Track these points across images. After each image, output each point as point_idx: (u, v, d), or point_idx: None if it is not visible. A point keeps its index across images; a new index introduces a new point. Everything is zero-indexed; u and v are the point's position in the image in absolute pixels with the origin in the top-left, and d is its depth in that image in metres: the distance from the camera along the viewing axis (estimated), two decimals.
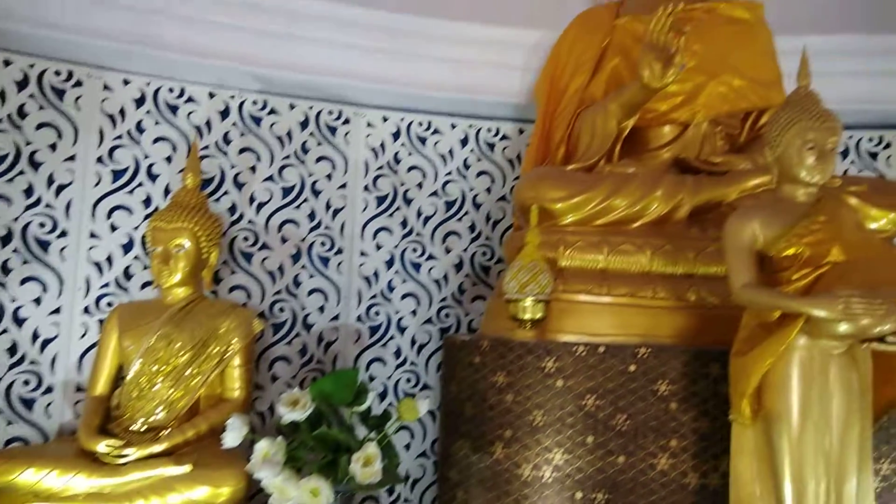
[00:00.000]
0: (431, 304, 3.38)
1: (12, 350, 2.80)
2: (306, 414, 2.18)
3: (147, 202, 3.03)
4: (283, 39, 3.06)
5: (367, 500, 3.23)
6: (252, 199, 3.20)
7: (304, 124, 3.29)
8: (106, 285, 2.96)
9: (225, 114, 3.18)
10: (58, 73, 2.94)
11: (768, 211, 1.99)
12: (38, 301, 2.85)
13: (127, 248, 2.99)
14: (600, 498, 2.21)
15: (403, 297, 3.35)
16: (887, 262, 1.88)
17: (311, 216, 3.27)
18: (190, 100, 3.13)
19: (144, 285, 2.99)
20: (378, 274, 3.33)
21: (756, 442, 1.94)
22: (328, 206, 3.30)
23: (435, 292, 3.39)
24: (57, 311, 2.87)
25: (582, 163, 2.79)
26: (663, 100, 2.78)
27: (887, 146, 3.41)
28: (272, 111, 3.25)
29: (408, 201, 3.39)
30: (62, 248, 2.90)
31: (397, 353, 3.33)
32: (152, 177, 3.05)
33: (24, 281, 2.84)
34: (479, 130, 3.50)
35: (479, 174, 3.49)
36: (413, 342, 3.35)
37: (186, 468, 2.31)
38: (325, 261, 3.28)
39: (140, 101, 3.06)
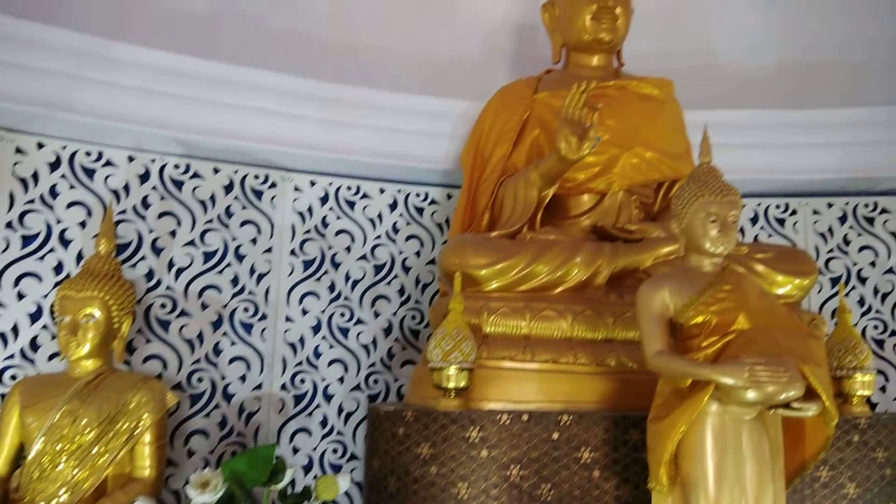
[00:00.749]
0: (360, 371, 3.32)
1: None
2: (217, 496, 2.07)
3: (58, 269, 2.90)
4: (208, 105, 3.05)
5: None
6: (171, 265, 3.11)
7: (229, 188, 3.25)
8: (10, 357, 2.79)
9: (145, 177, 3.11)
10: None
11: (677, 280, 2.07)
12: None
13: (35, 317, 2.84)
14: None
15: (330, 363, 3.28)
16: (790, 330, 1.97)
17: (234, 281, 3.20)
18: (108, 163, 3.06)
19: (52, 357, 2.84)
20: (304, 340, 3.26)
21: None
22: (252, 271, 3.23)
23: (363, 358, 3.33)
24: None
25: (505, 230, 2.84)
26: (581, 170, 2.89)
27: (793, 213, 3.63)
28: (195, 175, 3.20)
29: (336, 265, 3.36)
30: None
31: (323, 423, 3.23)
32: (65, 242, 2.93)
33: None
34: (408, 195, 3.54)
35: (409, 238, 3.50)
36: (340, 410, 3.26)
37: None
38: (248, 327, 3.19)
39: (55, 165, 2.97)
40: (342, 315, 3.33)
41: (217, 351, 3.13)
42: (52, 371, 2.76)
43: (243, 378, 3.16)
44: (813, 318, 2.61)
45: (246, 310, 3.20)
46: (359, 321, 3.35)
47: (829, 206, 3.58)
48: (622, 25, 3.09)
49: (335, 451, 3.22)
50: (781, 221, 3.61)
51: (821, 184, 3.52)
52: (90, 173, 3.03)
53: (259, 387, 3.17)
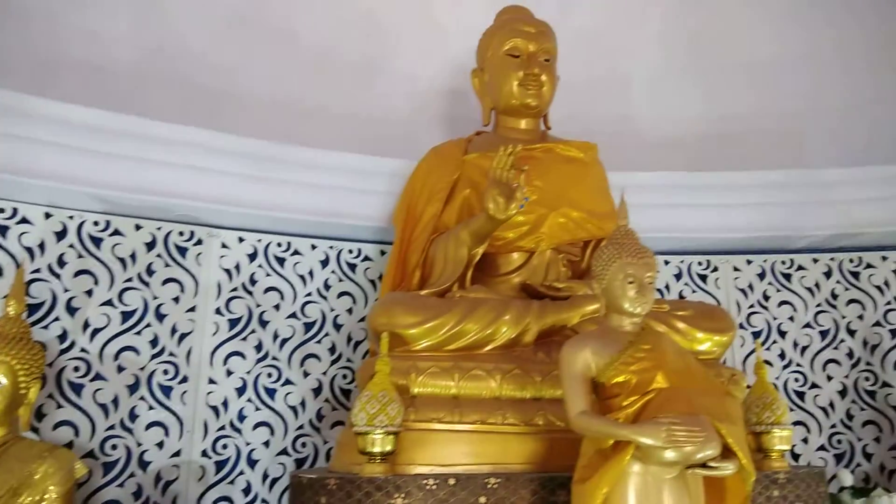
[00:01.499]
0: (287, 433, 3.20)
1: None
2: None
3: None
4: (130, 161, 2.99)
5: None
6: (86, 325, 2.97)
7: (151, 245, 3.16)
8: None
9: (61, 235, 3.00)
10: None
11: (599, 340, 2.09)
12: None
13: None
14: None
15: (256, 426, 3.16)
16: (706, 389, 2.01)
17: (154, 342, 3.07)
18: (23, 220, 2.93)
19: None
20: (227, 403, 3.13)
21: None
22: (174, 331, 3.11)
23: (291, 420, 3.22)
24: None
25: (436, 288, 2.84)
26: (511, 229, 2.93)
27: (715, 269, 3.76)
28: (115, 232, 3.11)
29: (263, 323, 3.28)
30: None
31: (246, 490, 3.09)
32: None
33: None
34: (340, 251, 3.51)
35: (341, 295, 3.46)
36: (265, 477, 3.13)
37: None
38: (168, 390, 3.06)
39: None
40: (269, 375, 3.23)
41: (133, 416, 2.98)
42: None
43: (161, 444, 3.00)
44: (733, 373, 2.68)
45: (165, 372, 3.07)
46: (287, 381, 3.25)
47: (749, 262, 3.74)
48: (548, 92, 3.20)
49: None
50: (704, 278, 3.74)
51: (740, 242, 3.68)
52: (3, 230, 2.89)
53: (178, 453, 3.02)
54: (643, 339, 2.06)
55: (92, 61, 3.16)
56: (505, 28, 3.23)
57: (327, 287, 3.43)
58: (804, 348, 3.64)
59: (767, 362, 3.61)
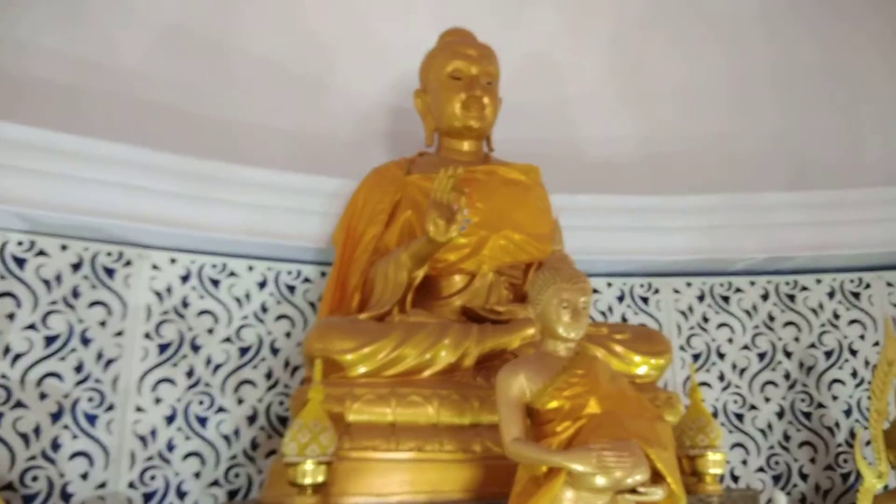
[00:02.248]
0: (219, 464, 3.08)
1: None
2: None
3: None
4: (56, 179, 2.86)
5: None
6: (7, 350, 2.82)
7: (78, 266, 3.02)
8: None
9: None
10: None
11: (534, 365, 2.06)
12: None
13: None
14: None
15: (186, 456, 3.03)
16: (637, 413, 2.00)
17: (79, 368, 2.93)
18: None
19: None
20: (156, 432, 3.00)
21: None
22: (100, 356, 2.97)
23: (223, 449, 3.10)
24: None
25: (375, 311, 2.78)
26: (452, 251, 2.90)
27: (656, 292, 3.81)
28: (40, 252, 2.96)
29: (195, 348, 3.16)
30: None
31: None
32: None
33: None
34: (278, 273, 3.42)
35: (279, 318, 3.36)
36: None
37: None
38: (93, 419, 2.91)
39: None
40: (201, 403, 3.10)
41: (56, 446, 2.83)
42: None
43: (85, 476, 2.85)
44: (669, 396, 2.69)
45: (91, 399, 2.92)
46: (220, 409, 3.13)
47: (688, 285, 3.80)
48: (490, 114, 3.21)
49: None
50: (645, 300, 3.78)
51: (680, 264, 3.73)
52: None
53: (103, 485, 2.87)
54: (576, 364, 2.04)
55: (20, 75, 3.03)
56: (447, 50, 3.23)
57: (264, 310, 3.33)
58: (742, 370, 3.70)
59: (706, 384, 3.66)
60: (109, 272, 3.08)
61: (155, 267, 3.17)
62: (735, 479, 3.55)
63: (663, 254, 3.66)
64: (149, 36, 3.43)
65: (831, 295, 3.79)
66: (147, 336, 3.07)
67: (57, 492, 2.79)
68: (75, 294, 2.99)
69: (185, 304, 3.18)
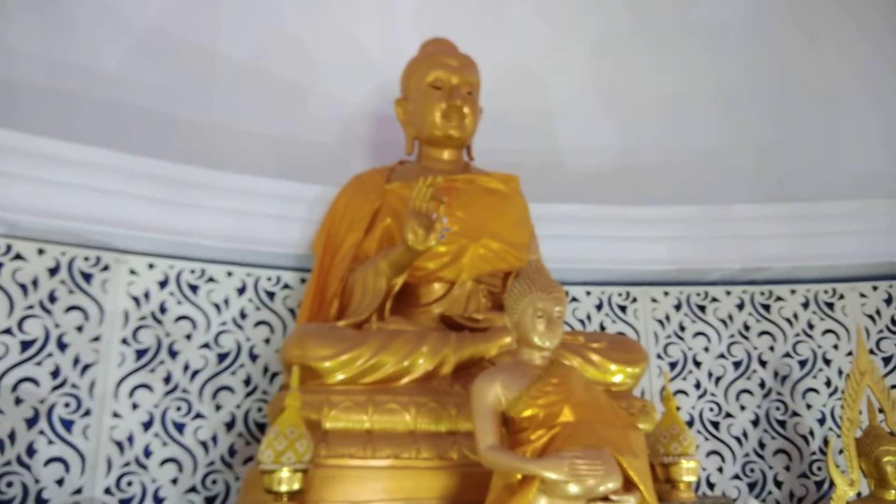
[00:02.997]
0: (196, 470, 3.06)
1: None
2: None
3: None
4: (33, 183, 2.84)
5: None
6: None
7: (55, 271, 3.00)
8: None
9: None
10: None
11: (509, 374, 2.09)
12: None
13: None
14: None
15: (163, 462, 3.01)
16: (610, 422, 2.03)
17: (55, 373, 2.91)
18: None
19: None
20: (133, 438, 2.98)
21: None
22: (76, 362, 2.96)
23: (201, 456, 3.09)
24: None
25: (353, 318, 2.79)
26: (432, 259, 2.91)
27: (634, 300, 3.84)
28: (17, 256, 2.94)
29: (173, 354, 3.14)
30: None
31: None
32: None
33: None
34: (258, 279, 3.42)
35: (258, 324, 3.36)
36: None
37: None
38: (69, 424, 2.89)
39: None
40: (178, 409, 3.09)
41: (31, 451, 2.80)
42: None
43: (60, 482, 2.83)
44: (644, 404, 2.72)
45: (67, 405, 2.90)
46: (197, 415, 3.12)
47: (666, 294, 3.84)
48: (470, 124, 3.23)
49: None
50: (623, 308, 3.81)
51: (657, 274, 3.77)
52: None
53: (79, 491, 2.85)
54: (551, 372, 2.07)
55: None
56: (428, 60, 3.25)
57: (243, 316, 3.33)
58: (718, 378, 3.74)
59: (683, 392, 3.71)
60: (87, 277, 3.06)
61: (133, 272, 3.16)
62: (711, 486, 3.59)
63: (641, 263, 3.71)
64: (131, 40, 3.42)
65: (806, 305, 3.85)
66: (124, 341, 3.06)
67: (32, 498, 2.76)
68: (52, 299, 2.97)
69: (162, 310, 3.17)
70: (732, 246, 3.69)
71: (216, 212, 3.20)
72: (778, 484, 3.61)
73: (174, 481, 3.01)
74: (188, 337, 3.19)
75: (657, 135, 4.02)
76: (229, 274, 3.35)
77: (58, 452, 2.85)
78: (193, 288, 3.26)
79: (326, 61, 3.86)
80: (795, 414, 3.70)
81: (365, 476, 2.33)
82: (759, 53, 4.08)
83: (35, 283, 2.95)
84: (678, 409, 3.56)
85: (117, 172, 2.98)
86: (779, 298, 3.86)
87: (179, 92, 3.44)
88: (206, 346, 3.22)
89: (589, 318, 3.77)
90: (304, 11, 3.84)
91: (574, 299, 3.79)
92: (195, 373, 3.16)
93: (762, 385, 3.74)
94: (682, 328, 3.80)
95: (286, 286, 3.46)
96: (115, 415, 2.97)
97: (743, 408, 3.71)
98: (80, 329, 2.99)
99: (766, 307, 3.85)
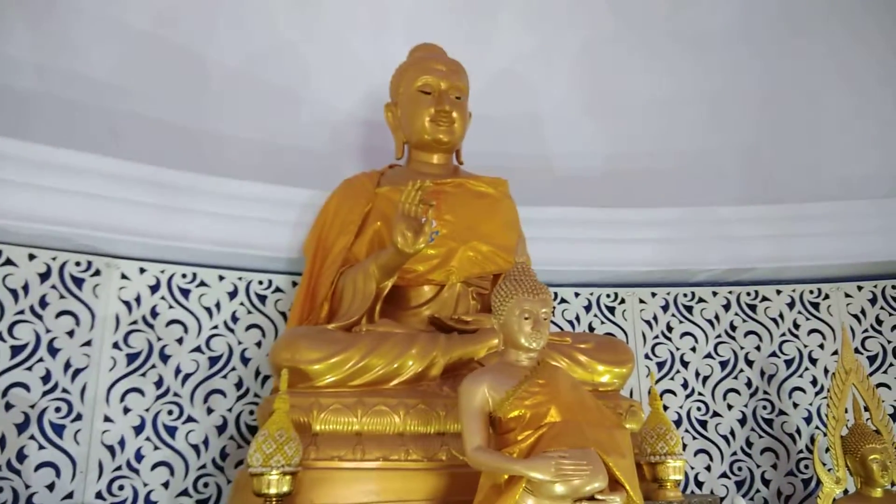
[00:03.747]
0: (188, 473, 3.08)
1: None
2: None
3: None
4: (23, 188, 2.85)
5: None
6: None
7: (45, 276, 3.01)
8: None
9: None
10: None
11: (496, 375, 2.11)
12: None
13: None
14: None
15: (154, 466, 3.02)
16: (597, 422, 2.06)
17: (46, 378, 2.91)
18: None
19: None
20: (124, 442, 2.99)
21: None
22: (67, 366, 2.96)
23: (192, 459, 3.10)
24: None
25: (343, 321, 2.81)
26: (421, 262, 2.94)
27: (622, 301, 3.88)
28: (7, 262, 2.95)
29: (165, 358, 3.16)
30: None
31: None
32: None
33: None
34: (249, 283, 3.43)
35: (249, 327, 3.37)
36: None
37: None
38: (60, 429, 2.90)
39: None
40: (170, 413, 3.10)
41: (22, 457, 2.81)
42: None
43: (51, 486, 2.83)
44: (631, 404, 2.75)
45: (58, 409, 2.91)
46: (189, 419, 3.13)
47: (653, 295, 3.88)
48: (459, 128, 3.26)
49: None
50: (612, 309, 3.85)
51: (645, 275, 3.81)
52: None
53: (70, 496, 2.85)
54: (538, 373, 2.10)
55: None
56: (417, 65, 3.28)
57: (235, 319, 3.34)
58: (705, 378, 3.78)
59: (671, 392, 3.74)
60: (78, 282, 3.07)
61: (124, 276, 3.17)
62: (699, 485, 3.63)
63: (629, 265, 3.75)
64: (121, 45, 3.44)
65: (791, 305, 3.90)
66: (115, 346, 3.07)
67: (23, 503, 2.77)
68: (43, 304, 2.98)
69: (154, 314, 3.18)
70: (718, 247, 3.73)
71: (207, 216, 3.21)
72: (765, 482, 3.65)
73: (166, 485, 3.03)
74: (179, 341, 3.20)
75: (644, 138, 4.07)
76: (221, 278, 3.37)
77: (48, 457, 2.86)
78: (185, 292, 3.27)
79: (317, 67, 3.89)
80: (782, 413, 3.75)
81: (354, 478, 2.36)
82: (744, 57, 4.13)
83: (26, 288, 2.96)
84: (666, 408, 3.66)
85: (108, 178, 2.99)
86: (765, 299, 3.91)
87: (170, 97, 3.46)
88: (197, 349, 3.23)
89: (578, 319, 3.80)
90: (295, 17, 3.87)
91: (563, 301, 3.82)
92: (187, 376, 3.18)
93: (749, 384, 3.78)
94: (670, 328, 3.84)
95: (278, 290, 3.48)
96: (107, 419, 2.98)
97: (730, 407, 3.75)
98: (71, 334, 3.00)
99: (753, 307, 3.90)
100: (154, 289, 3.21)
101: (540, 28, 4.07)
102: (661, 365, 3.77)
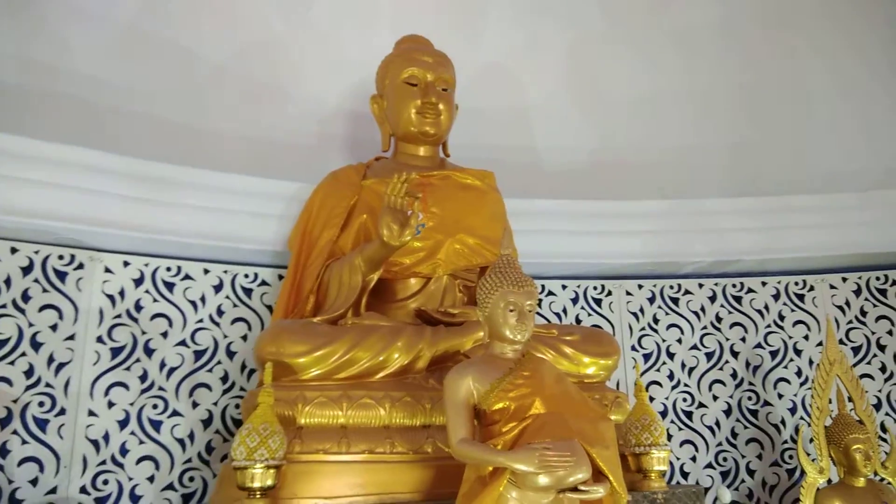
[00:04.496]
0: (173, 467, 3.06)
1: None
2: None
3: None
4: (6, 181, 2.84)
5: None
6: None
7: (28, 269, 2.98)
8: None
9: None
10: None
11: (482, 367, 2.11)
12: None
13: None
14: None
15: (139, 461, 3.01)
16: (581, 413, 2.06)
17: (29, 372, 2.89)
18: None
19: None
20: (109, 436, 2.97)
21: None
22: (51, 360, 2.94)
23: (178, 453, 3.08)
24: None
25: (329, 314, 2.80)
26: (408, 255, 2.94)
27: (609, 294, 3.89)
28: None
29: (149, 352, 3.14)
30: None
31: None
32: None
33: None
34: (235, 276, 3.41)
35: (235, 321, 3.36)
36: None
37: None
38: (43, 423, 2.87)
39: None
40: (154, 407, 3.09)
41: (4, 452, 2.79)
42: None
43: (35, 481, 2.82)
44: (617, 395, 2.77)
45: (41, 404, 2.89)
46: (174, 413, 3.12)
47: (640, 287, 3.89)
48: (445, 120, 3.25)
49: None
50: (599, 301, 3.86)
51: (631, 267, 3.83)
52: None
53: (53, 490, 2.84)
54: (523, 365, 2.10)
55: None
56: (403, 57, 3.27)
57: (220, 313, 3.32)
58: (691, 369, 3.81)
59: (657, 383, 3.76)
60: (61, 275, 3.04)
61: (108, 270, 3.14)
62: (685, 475, 3.66)
63: (616, 257, 3.76)
64: (104, 39, 3.39)
65: (776, 297, 3.92)
66: (99, 340, 3.04)
67: (5, 498, 2.75)
68: (25, 297, 2.95)
69: (138, 308, 3.16)
70: (704, 239, 3.75)
71: (192, 209, 3.19)
72: (750, 472, 3.68)
73: (151, 479, 3.01)
74: (164, 335, 3.18)
75: (631, 133, 4.08)
76: (206, 271, 3.35)
77: (32, 452, 2.84)
78: (169, 285, 3.25)
79: (304, 60, 3.86)
80: (767, 403, 3.77)
81: (339, 471, 2.35)
82: (731, 53, 4.14)
83: (8, 282, 2.93)
84: (652, 399, 3.68)
85: (91, 170, 2.96)
86: (750, 290, 3.93)
87: (156, 91, 3.42)
88: (182, 343, 3.21)
89: (565, 311, 3.81)
90: (281, 10, 3.83)
91: (550, 293, 3.83)
92: (172, 370, 3.16)
93: (734, 375, 3.81)
94: (656, 320, 3.85)
95: (264, 283, 3.46)
96: (91, 413, 2.96)
97: (715, 398, 3.77)
98: (54, 328, 2.97)
99: (738, 299, 3.92)
100: (138, 282, 3.19)
101: (528, 22, 4.06)
102: (647, 356, 3.79)
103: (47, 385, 2.92)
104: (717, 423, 3.74)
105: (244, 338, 3.35)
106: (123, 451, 2.99)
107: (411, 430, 2.49)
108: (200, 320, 3.28)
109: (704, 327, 3.87)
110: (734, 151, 4.07)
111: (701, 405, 3.76)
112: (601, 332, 3.08)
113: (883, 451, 3.20)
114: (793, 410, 3.76)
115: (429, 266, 3.01)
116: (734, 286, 3.93)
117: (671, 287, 3.91)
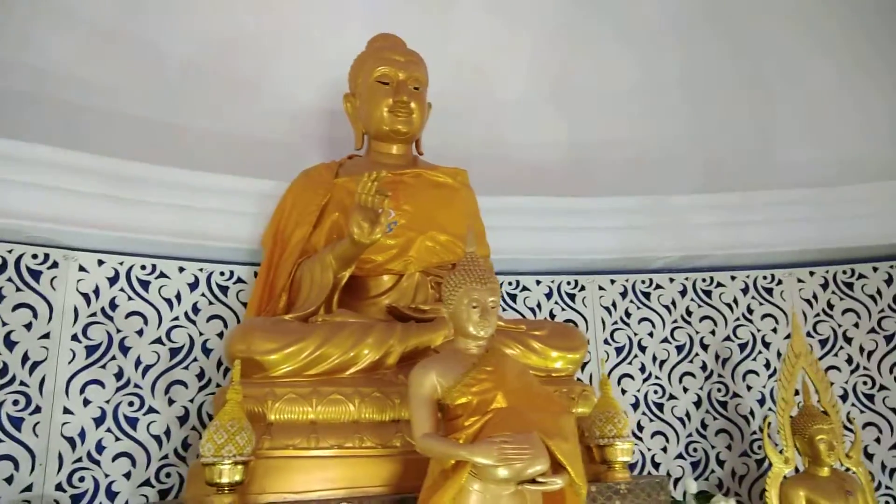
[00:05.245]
0: (150, 464, 3.10)
1: None
2: None
3: None
4: None
5: None
6: None
7: (2, 269, 3.01)
8: None
9: None
10: None
11: (446, 362, 2.16)
12: None
13: None
14: None
15: (115, 457, 3.04)
16: (541, 407, 2.12)
17: (3, 371, 2.92)
18: None
19: None
20: (85, 433, 3.00)
21: None
22: (25, 359, 2.96)
23: (154, 450, 3.12)
24: None
25: (301, 312, 2.84)
26: (379, 252, 2.98)
27: (582, 289, 3.95)
28: None
29: (125, 350, 3.16)
30: None
31: None
32: None
33: None
34: (210, 274, 3.44)
35: (211, 318, 3.39)
36: None
37: None
38: (18, 422, 2.90)
39: None
40: (130, 404, 3.12)
41: None
42: None
43: (10, 479, 2.85)
44: (584, 389, 2.82)
45: (16, 402, 2.91)
46: (150, 410, 3.15)
47: (612, 282, 3.95)
48: (417, 119, 3.28)
49: None
50: (572, 297, 3.92)
51: (603, 263, 3.89)
52: None
53: (29, 488, 2.87)
54: (486, 361, 2.15)
55: None
56: (375, 56, 3.29)
57: (196, 311, 3.35)
58: (662, 362, 3.88)
59: (629, 376, 3.83)
60: (35, 274, 3.06)
61: (82, 268, 3.16)
62: (656, 465, 3.73)
63: (588, 253, 3.81)
64: (76, 37, 3.40)
65: (745, 291, 4.00)
66: (74, 338, 3.07)
67: None
68: None
69: (113, 306, 3.18)
70: (674, 235, 3.82)
71: (167, 208, 3.22)
72: (720, 463, 3.76)
73: (127, 476, 3.05)
74: (140, 332, 3.21)
75: (602, 128, 4.12)
76: (181, 269, 3.38)
77: (7, 450, 2.86)
78: (144, 283, 3.28)
79: (278, 57, 3.88)
80: (736, 395, 3.85)
81: (309, 466, 2.40)
82: (696, 48, 4.18)
83: None
84: (624, 392, 3.75)
85: (64, 169, 2.98)
86: (719, 284, 4.00)
87: (129, 89, 3.43)
88: (157, 341, 3.24)
89: (539, 306, 3.87)
90: (254, 7, 3.84)
91: (525, 288, 3.88)
92: (147, 368, 3.19)
93: (704, 368, 3.88)
94: (628, 314, 3.92)
95: (239, 280, 3.50)
96: (66, 411, 2.99)
97: (686, 390, 3.85)
98: (28, 327, 3.00)
99: (708, 293, 3.99)
100: (113, 280, 3.21)
101: (500, 18, 4.09)
102: (619, 350, 3.85)
103: (22, 383, 2.94)
104: (688, 415, 3.81)
105: (220, 335, 3.38)
106: (99, 448, 3.02)
107: (380, 425, 2.53)
108: (176, 318, 3.31)
109: (675, 321, 3.94)
110: (701, 146, 4.13)
111: (672, 397, 3.83)
112: (569, 326, 3.13)
113: (848, 441, 3.28)
114: (761, 402, 3.85)
115: (401, 263, 3.05)
116: (704, 280, 4.01)
117: (643, 282, 3.97)
